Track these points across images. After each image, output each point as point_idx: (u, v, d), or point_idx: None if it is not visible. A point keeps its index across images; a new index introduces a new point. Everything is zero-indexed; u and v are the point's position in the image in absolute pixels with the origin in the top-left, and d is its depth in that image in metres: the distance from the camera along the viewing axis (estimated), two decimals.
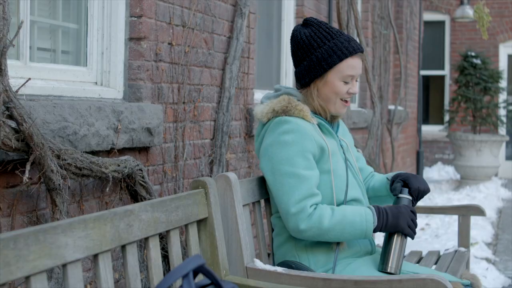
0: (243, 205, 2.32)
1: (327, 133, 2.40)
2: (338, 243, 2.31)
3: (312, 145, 2.27)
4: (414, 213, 2.31)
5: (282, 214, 2.29)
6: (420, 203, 8.38)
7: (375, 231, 2.28)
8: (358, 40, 6.00)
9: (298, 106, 2.33)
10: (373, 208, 2.28)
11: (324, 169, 2.32)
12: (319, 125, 2.38)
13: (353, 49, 2.33)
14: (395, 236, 2.30)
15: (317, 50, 2.34)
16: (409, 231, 2.28)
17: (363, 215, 2.25)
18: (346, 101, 2.40)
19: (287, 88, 2.44)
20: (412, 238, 2.29)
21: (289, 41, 2.49)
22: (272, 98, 2.41)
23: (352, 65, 2.34)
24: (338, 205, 2.33)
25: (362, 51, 2.37)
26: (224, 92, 3.50)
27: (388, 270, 2.27)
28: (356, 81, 2.41)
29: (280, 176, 2.27)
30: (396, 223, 2.26)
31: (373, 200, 2.58)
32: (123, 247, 1.77)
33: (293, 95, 2.39)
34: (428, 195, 8.97)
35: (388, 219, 2.26)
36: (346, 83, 2.36)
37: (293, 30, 2.43)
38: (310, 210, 2.23)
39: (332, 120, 2.48)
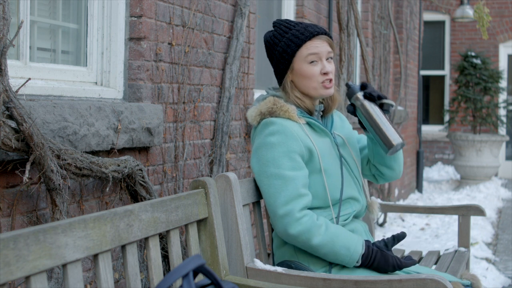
0: (243, 205, 2.32)
1: (319, 131, 2.38)
2: None
3: (298, 145, 2.27)
4: (401, 266, 2.27)
5: (270, 216, 2.30)
6: (420, 203, 8.40)
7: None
8: (358, 40, 6.02)
9: (283, 107, 2.33)
10: (364, 248, 2.25)
11: (316, 169, 2.31)
12: (309, 124, 2.37)
13: (309, 33, 2.36)
14: (375, 116, 2.30)
15: (278, 45, 2.39)
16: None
17: (351, 250, 2.23)
18: (327, 83, 2.36)
19: (274, 90, 2.45)
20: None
21: None
22: (260, 101, 2.42)
23: (312, 46, 2.35)
24: (334, 204, 2.32)
25: (322, 33, 2.37)
26: (224, 92, 3.50)
27: (395, 143, 2.28)
28: (328, 60, 2.38)
29: (266, 178, 2.27)
30: (377, 270, 2.28)
31: (371, 153, 2.51)
32: (123, 247, 1.77)
33: (279, 97, 2.40)
34: (428, 195, 8.97)
35: (371, 267, 2.26)
36: (313, 64, 2.35)
37: (264, 36, 2.49)
38: (298, 214, 2.21)
39: (324, 114, 2.47)
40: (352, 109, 2.38)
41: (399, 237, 2.30)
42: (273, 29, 2.46)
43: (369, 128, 2.35)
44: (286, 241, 2.30)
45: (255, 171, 2.33)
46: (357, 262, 2.23)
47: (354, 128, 2.69)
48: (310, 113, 2.41)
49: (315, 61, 2.35)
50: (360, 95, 2.35)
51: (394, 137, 2.30)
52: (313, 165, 2.30)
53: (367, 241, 2.28)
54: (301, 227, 2.20)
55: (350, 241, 2.24)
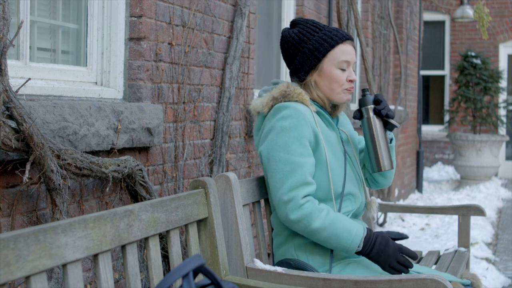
0: (243, 205, 2.32)
1: (328, 124, 2.40)
2: None
3: (308, 131, 2.27)
4: (402, 251, 2.22)
5: (274, 200, 2.28)
6: (420, 203, 8.40)
7: (358, 253, 2.24)
8: (358, 40, 6.02)
9: (296, 90, 2.33)
10: (366, 231, 2.23)
11: (321, 160, 2.30)
12: (318, 114, 2.38)
13: (342, 36, 2.37)
14: (376, 136, 2.35)
15: (308, 43, 2.37)
16: (390, 271, 2.21)
17: (352, 233, 2.21)
18: (349, 90, 2.40)
19: (285, 81, 2.46)
20: (403, 272, 2.22)
21: (279, 44, 2.50)
22: (269, 90, 2.42)
23: (345, 51, 2.36)
24: (336, 197, 2.32)
25: (351, 39, 2.40)
26: (224, 92, 3.50)
27: (384, 169, 2.36)
28: (354, 70, 2.43)
29: (274, 163, 2.26)
30: (377, 260, 2.22)
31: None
32: (123, 247, 1.77)
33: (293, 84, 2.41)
34: (428, 195, 8.97)
35: (372, 251, 2.21)
36: (343, 70, 2.37)
37: (282, 32, 2.47)
38: (301, 201, 2.21)
39: (332, 113, 2.47)
40: (359, 116, 2.41)
41: (401, 235, 2.30)
42: (294, 26, 2.44)
43: (366, 142, 2.42)
44: (287, 226, 2.28)
45: (264, 155, 2.31)
46: (358, 246, 2.21)
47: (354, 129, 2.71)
48: None
49: (344, 69, 2.37)
50: (371, 108, 2.39)
51: (386, 162, 2.38)
52: (318, 155, 2.30)
53: (367, 228, 2.29)
54: (302, 211, 2.20)
55: (352, 225, 2.23)
